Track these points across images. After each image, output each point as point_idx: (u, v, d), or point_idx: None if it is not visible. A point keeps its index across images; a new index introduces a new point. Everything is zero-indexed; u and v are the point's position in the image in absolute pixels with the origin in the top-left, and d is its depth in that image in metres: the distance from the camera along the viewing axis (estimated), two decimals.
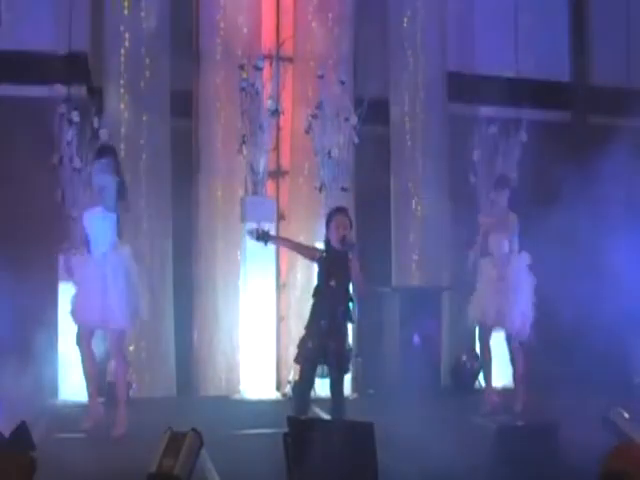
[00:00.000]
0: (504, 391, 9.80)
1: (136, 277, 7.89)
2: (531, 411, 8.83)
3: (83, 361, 7.90)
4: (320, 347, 6.85)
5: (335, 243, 6.91)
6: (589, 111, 11.75)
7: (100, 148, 8.32)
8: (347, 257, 6.85)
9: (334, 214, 7.09)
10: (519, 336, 8.96)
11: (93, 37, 10.05)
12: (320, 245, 7.40)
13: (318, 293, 6.96)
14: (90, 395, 7.90)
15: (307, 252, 7.37)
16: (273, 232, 7.79)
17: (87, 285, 7.73)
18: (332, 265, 6.91)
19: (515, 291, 8.85)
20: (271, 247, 9.84)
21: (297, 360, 7.00)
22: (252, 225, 7.55)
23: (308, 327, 6.96)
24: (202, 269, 10.19)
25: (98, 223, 7.75)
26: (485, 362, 9.12)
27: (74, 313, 7.83)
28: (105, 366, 8.80)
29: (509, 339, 9.09)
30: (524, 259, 9.03)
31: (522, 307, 8.89)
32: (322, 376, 7.07)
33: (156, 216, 9.90)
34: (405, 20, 10.92)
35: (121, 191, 7.84)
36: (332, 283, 6.88)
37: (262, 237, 7.13)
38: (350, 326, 7.21)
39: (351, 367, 7.30)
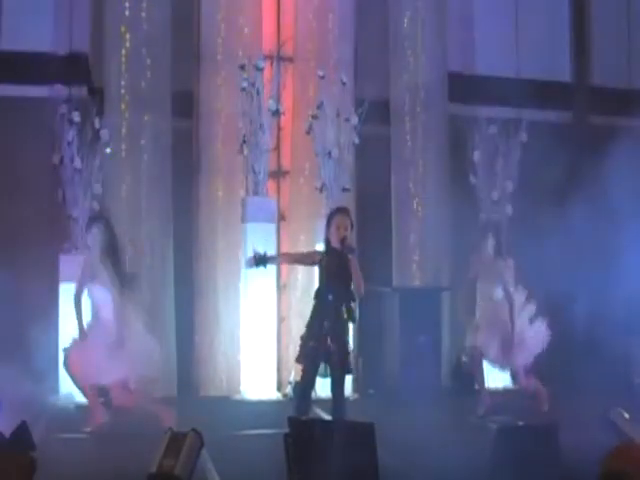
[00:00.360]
0: (505, 392, 9.81)
1: (143, 334, 7.94)
2: (532, 411, 8.84)
3: (74, 381, 7.93)
4: (323, 347, 6.85)
5: (335, 243, 6.91)
6: (590, 111, 11.76)
7: (90, 217, 8.49)
8: (347, 256, 6.85)
9: (335, 214, 7.09)
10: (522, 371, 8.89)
11: (94, 37, 10.04)
12: (321, 246, 7.39)
13: (320, 293, 6.96)
14: (91, 403, 7.90)
15: (307, 259, 7.35)
16: (271, 251, 7.75)
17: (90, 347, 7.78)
18: (332, 265, 6.91)
19: (516, 336, 8.81)
20: (272, 245, 9.87)
21: (299, 360, 7.00)
22: (249, 252, 7.51)
23: (309, 326, 6.96)
24: (203, 269, 10.19)
25: (98, 295, 7.84)
26: (477, 373, 9.04)
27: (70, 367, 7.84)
28: None
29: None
30: (519, 297, 9.01)
31: (523, 349, 8.85)
32: (324, 375, 7.07)
33: (157, 216, 9.91)
34: (405, 20, 10.92)
35: (114, 257, 7.88)
36: (333, 283, 6.87)
37: (261, 261, 7.10)
38: (351, 326, 7.20)
39: (353, 368, 7.30)
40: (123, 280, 7.88)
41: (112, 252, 7.88)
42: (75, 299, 7.92)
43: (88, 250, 8.01)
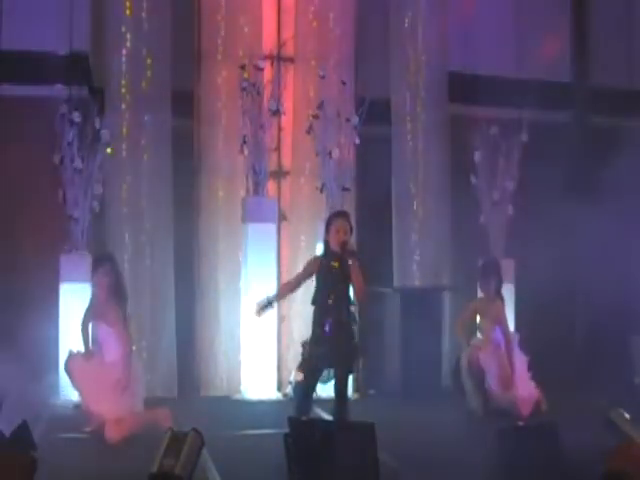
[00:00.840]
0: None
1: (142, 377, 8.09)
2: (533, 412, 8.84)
3: (74, 385, 7.90)
4: (326, 352, 6.82)
5: (334, 247, 6.88)
6: (590, 112, 11.75)
7: (95, 258, 8.51)
8: (346, 260, 6.82)
9: (335, 218, 7.04)
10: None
11: (94, 37, 10.03)
12: (319, 246, 7.36)
13: (319, 298, 6.90)
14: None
15: (308, 272, 7.05)
16: (272, 292, 7.68)
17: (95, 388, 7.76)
18: (331, 269, 6.87)
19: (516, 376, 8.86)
20: (272, 245, 9.88)
21: (301, 368, 6.98)
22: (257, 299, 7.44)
23: (313, 334, 6.93)
24: (204, 269, 10.18)
25: (103, 335, 7.87)
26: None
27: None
28: None
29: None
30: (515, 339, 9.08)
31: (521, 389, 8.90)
32: (325, 381, 7.06)
33: (157, 216, 9.90)
34: (406, 20, 10.91)
35: (120, 297, 7.94)
36: (332, 287, 6.84)
37: (267, 306, 7.08)
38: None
39: (356, 367, 7.28)
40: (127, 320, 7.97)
41: (118, 292, 7.93)
42: (82, 327, 8.03)
43: (94, 290, 8.02)
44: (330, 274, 6.86)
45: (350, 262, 6.78)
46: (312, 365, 6.92)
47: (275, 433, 6.30)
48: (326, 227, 7.00)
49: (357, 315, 7.13)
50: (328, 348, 6.79)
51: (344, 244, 6.81)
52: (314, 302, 6.91)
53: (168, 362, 9.88)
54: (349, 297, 6.93)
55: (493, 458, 6.10)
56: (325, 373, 7.02)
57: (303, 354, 6.96)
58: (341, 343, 6.81)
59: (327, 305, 6.83)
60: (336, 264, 6.82)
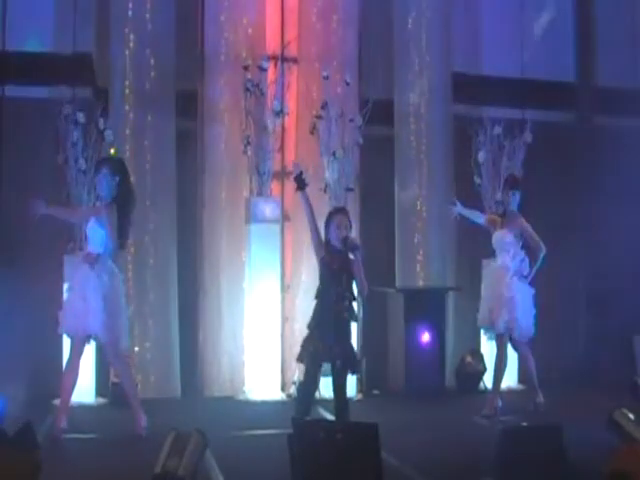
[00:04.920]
0: (510, 392, 9.81)
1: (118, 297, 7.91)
2: (536, 412, 8.84)
3: (67, 370, 7.82)
4: (325, 349, 6.84)
5: (336, 243, 6.91)
6: (594, 112, 11.75)
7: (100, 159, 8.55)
8: (348, 256, 6.86)
9: (334, 214, 7.10)
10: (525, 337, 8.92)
11: (98, 37, 10.05)
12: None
13: (322, 294, 6.94)
14: (61, 408, 7.76)
15: (318, 243, 7.17)
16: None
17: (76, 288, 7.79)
18: (334, 265, 6.90)
19: (517, 297, 8.85)
20: (276, 246, 9.89)
21: (301, 359, 6.99)
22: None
23: (310, 327, 6.94)
24: (207, 270, 10.19)
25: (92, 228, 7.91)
26: (499, 367, 8.99)
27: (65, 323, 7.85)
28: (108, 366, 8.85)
29: (515, 341, 9.05)
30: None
31: (526, 311, 8.87)
32: (325, 374, 7.06)
33: (161, 217, 9.91)
34: (410, 21, 10.90)
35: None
36: (335, 283, 6.87)
37: (300, 182, 7.08)
38: (355, 325, 7.20)
39: (357, 368, 7.28)
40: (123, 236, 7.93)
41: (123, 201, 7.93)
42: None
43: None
44: (332, 270, 6.88)
45: (352, 256, 6.83)
46: (312, 360, 6.91)
47: (279, 434, 6.30)
48: (325, 225, 7.03)
49: (360, 312, 7.15)
50: (328, 345, 6.81)
51: (345, 239, 6.85)
52: (317, 297, 6.94)
53: (171, 363, 9.88)
54: (352, 294, 6.95)
55: (497, 458, 6.11)
56: (325, 367, 7.03)
57: (303, 346, 6.93)
58: (340, 343, 6.83)
59: (329, 301, 6.85)
60: (339, 260, 6.87)
